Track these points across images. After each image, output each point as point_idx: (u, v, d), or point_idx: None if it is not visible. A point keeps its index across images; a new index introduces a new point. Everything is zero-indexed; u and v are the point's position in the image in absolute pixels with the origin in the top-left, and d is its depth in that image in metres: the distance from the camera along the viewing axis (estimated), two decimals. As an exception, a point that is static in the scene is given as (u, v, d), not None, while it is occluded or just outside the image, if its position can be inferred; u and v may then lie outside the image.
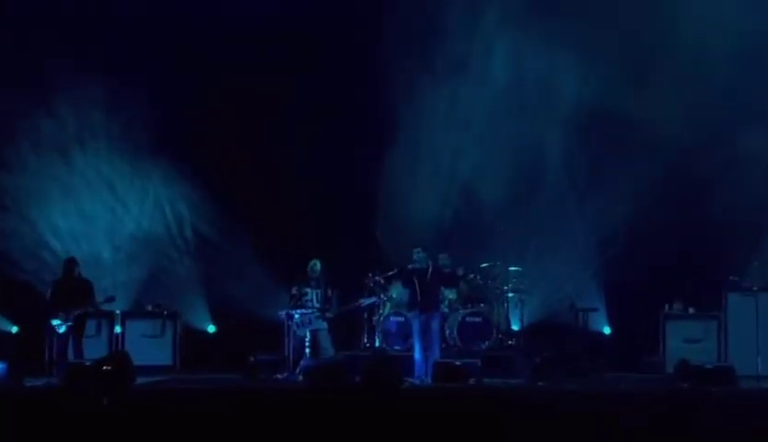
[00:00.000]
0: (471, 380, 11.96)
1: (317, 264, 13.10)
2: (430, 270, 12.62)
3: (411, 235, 14.32)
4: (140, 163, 14.30)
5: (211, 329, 14.78)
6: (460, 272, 13.22)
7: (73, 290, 12.44)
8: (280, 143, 13.80)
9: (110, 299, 12.83)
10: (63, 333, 12.35)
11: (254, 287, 14.38)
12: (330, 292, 13.06)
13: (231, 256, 14.43)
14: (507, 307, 14.29)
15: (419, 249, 12.71)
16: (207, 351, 14.29)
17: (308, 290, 13.03)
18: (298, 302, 12.85)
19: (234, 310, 14.38)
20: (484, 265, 14.20)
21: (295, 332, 12.76)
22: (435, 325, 12.63)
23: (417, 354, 12.60)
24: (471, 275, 13.93)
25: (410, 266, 12.65)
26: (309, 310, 12.88)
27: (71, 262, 12.66)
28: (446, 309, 13.98)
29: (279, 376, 12.59)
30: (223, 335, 14.56)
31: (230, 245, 14.49)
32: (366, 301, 13.24)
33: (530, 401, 10.39)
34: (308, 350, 12.75)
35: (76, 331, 12.39)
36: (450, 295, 14.19)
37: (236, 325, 14.22)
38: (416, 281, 12.56)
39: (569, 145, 14.03)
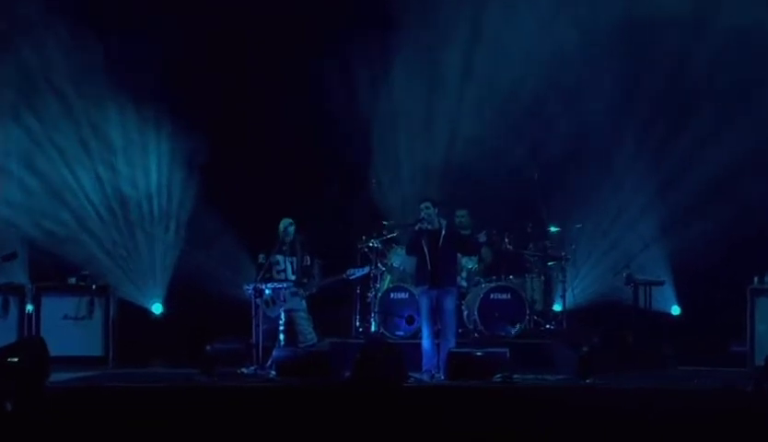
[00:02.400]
0: (497, 377, 11.98)
1: (290, 225, 13.04)
2: (443, 231, 12.49)
3: (418, 185, 14.62)
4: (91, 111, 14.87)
5: (157, 309, 14.99)
6: (483, 237, 13.23)
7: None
8: (258, 71, 14.67)
9: (11, 257, 12.73)
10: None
11: (216, 254, 14.66)
12: (308, 260, 13.11)
13: (185, 213, 14.98)
14: (545, 280, 14.51)
15: (428, 203, 12.59)
16: (151, 338, 14.52)
17: (280, 258, 13.02)
18: (267, 274, 12.81)
19: (188, 284, 14.69)
20: (513, 225, 14.46)
21: (264, 313, 12.77)
22: (449, 304, 12.54)
23: (426, 342, 12.54)
24: (497, 237, 13.98)
25: (417, 226, 12.51)
26: (283, 285, 12.87)
27: None
28: (463, 283, 14.05)
29: (244, 370, 12.61)
30: (173, 317, 14.84)
31: (185, 199, 14.99)
32: (354, 273, 13.20)
33: (575, 404, 10.41)
34: (282, 336, 12.80)
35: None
36: (470, 264, 14.19)
37: (190, 304, 14.59)
38: (425, 246, 12.45)
39: (632, 86, 14.56)
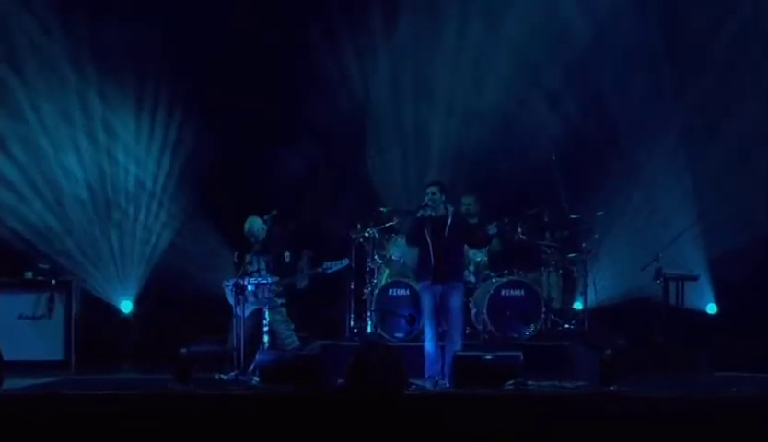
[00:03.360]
0: (509, 384, 11.89)
1: (254, 224, 13.14)
2: (450, 220, 12.41)
3: (419, 167, 14.67)
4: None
5: (126, 307, 14.99)
6: (493, 229, 13.13)
7: None
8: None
9: None
10: None
11: (196, 247, 14.77)
12: (287, 256, 13.13)
13: (164, 201, 15.15)
14: (563, 274, 14.49)
15: (435, 187, 12.48)
16: (119, 340, 14.61)
17: (252, 258, 13.09)
18: (243, 273, 12.89)
19: (163, 280, 14.80)
20: (528, 213, 14.40)
21: (243, 313, 12.79)
22: (455, 301, 12.47)
23: (429, 345, 12.49)
24: (509, 226, 13.97)
25: (420, 213, 12.42)
26: (267, 280, 12.93)
27: None
28: (471, 278, 14.02)
29: (223, 376, 12.58)
30: (144, 316, 14.93)
31: (165, 186, 15.21)
32: (331, 266, 13.18)
33: (597, 414, 10.26)
34: (266, 337, 12.79)
35: None
36: (478, 256, 14.15)
37: (164, 301, 14.68)
38: (429, 235, 12.37)
39: (666, 57, 14.79)
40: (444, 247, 12.35)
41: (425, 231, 12.37)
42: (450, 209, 12.51)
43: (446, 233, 12.36)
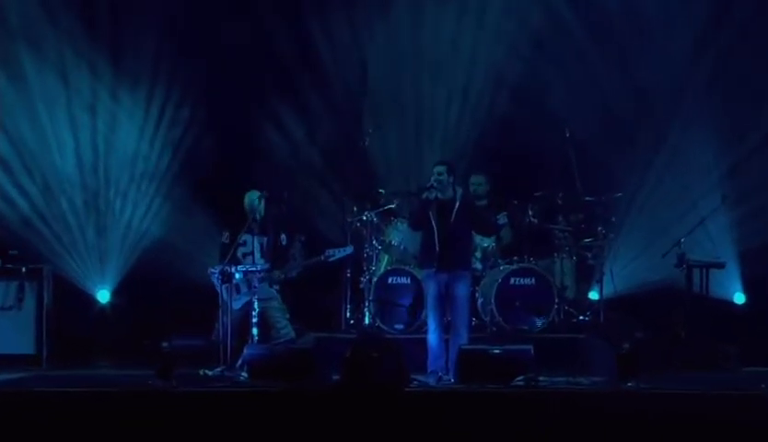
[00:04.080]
0: (519, 379, 11.89)
1: (259, 199, 13.11)
2: (457, 203, 12.41)
3: (424, 145, 14.63)
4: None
5: (103, 296, 15.03)
6: (503, 219, 13.27)
7: None
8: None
9: None
10: None
11: (185, 232, 14.85)
12: (284, 239, 13.13)
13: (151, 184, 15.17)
14: (578, 261, 14.50)
15: (442, 167, 12.48)
16: (96, 332, 14.59)
17: (248, 238, 13.04)
18: (232, 256, 12.82)
19: (147, 266, 14.83)
20: (539, 194, 14.38)
21: (232, 304, 12.80)
22: (461, 290, 12.48)
23: (432, 337, 12.48)
24: (518, 208, 13.99)
25: (425, 195, 12.43)
26: (257, 267, 12.89)
27: None
28: (478, 265, 14.00)
29: (208, 372, 12.54)
30: (123, 306, 14.96)
31: (146, 164, 15.28)
32: (334, 253, 13.21)
33: (614, 412, 10.35)
34: (255, 330, 12.77)
35: None
36: (485, 242, 14.12)
37: (144, 291, 14.75)
38: (434, 219, 12.37)
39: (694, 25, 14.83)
40: (450, 232, 12.33)
41: (430, 215, 12.37)
42: (458, 191, 12.50)
43: (452, 217, 12.35)
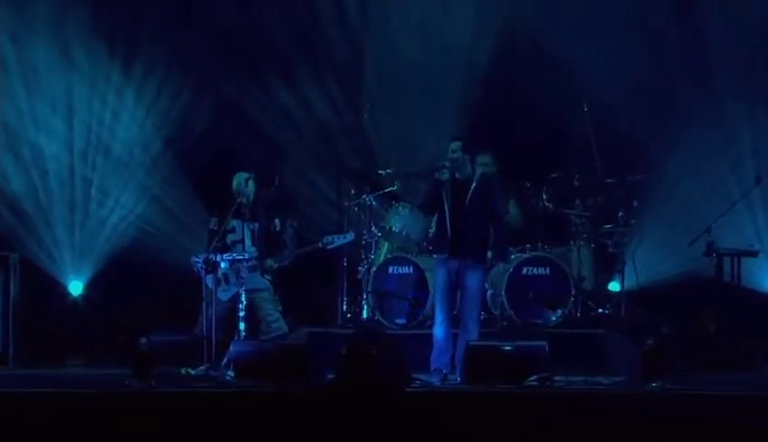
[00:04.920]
0: (532, 379, 11.85)
1: (248, 181, 13.11)
2: (475, 184, 12.37)
3: (427, 121, 14.68)
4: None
5: (76, 288, 15.08)
6: (510, 208, 13.34)
7: None
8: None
9: None
10: None
11: (164, 215, 15.01)
12: (277, 225, 13.17)
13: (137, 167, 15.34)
14: (597, 249, 14.56)
15: (457, 144, 12.42)
16: (68, 328, 14.56)
17: (236, 224, 13.07)
18: (219, 243, 12.85)
19: (123, 255, 14.95)
20: (554, 175, 14.48)
21: (216, 295, 12.86)
22: (473, 282, 12.46)
23: (439, 329, 12.48)
24: (531, 190, 14.12)
25: (438, 174, 12.40)
26: (245, 256, 12.89)
27: None
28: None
29: (191, 371, 12.59)
30: (97, 299, 15.00)
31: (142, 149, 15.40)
32: (333, 240, 13.29)
33: (636, 415, 10.33)
34: (242, 325, 12.79)
35: None
36: None
37: (121, 281, 14.85)
38: (448, 202, 12.37)
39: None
40: (464, 216, 12.31)
41: (444, 196, 12.34)
42: (477, 171, 12.46)
43: (467, 200, 12.32)
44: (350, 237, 13.54)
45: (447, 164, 12.31)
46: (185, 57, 15.25)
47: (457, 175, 12.33)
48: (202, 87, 15.25)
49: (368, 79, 15.18)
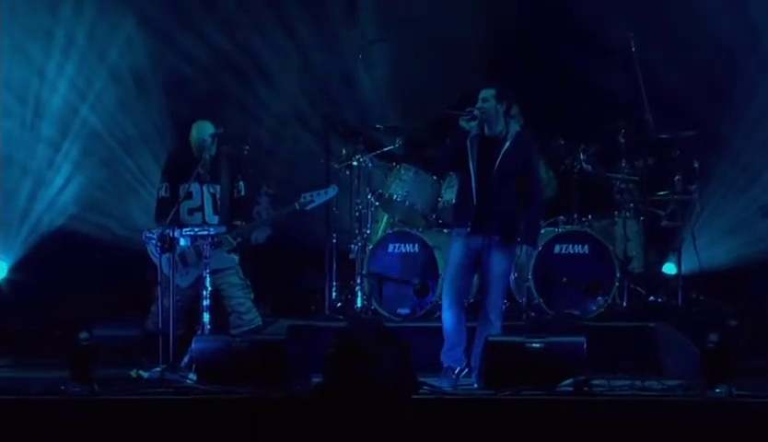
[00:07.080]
0: (567, 383, 11.82)
1: (205, 129, 13.08)
2: (508, 143, 12.36)
3: (434, 64, 14.92)
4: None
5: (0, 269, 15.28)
6: (541, 172, 13.23)
7: None
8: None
9: None
10: None
11: (108, 182, 15.33)
12: (241, 189, 13.20)
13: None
14: (646, 222, 14.64)
15: (489, 91, 12.30)
16: None
17: (194, 188, 13.08)
18: (173, 213, 12.82)
19: (58, 232, 15.25)
20: (599, 131, 14.64)
21: (177, 280, 12.87)
22: (499, 264, 12.46)
23: (447, 315, 12.52)
24: (565, 150, 14.29)
25: (462, 122, 12.26)
26: (209, 230, 12.89)
27: None
28: None
29: (143, 373, 12.67)
30: (27, 284, 15.22)
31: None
32: (312, 198, 13.11)
33: (697, 428, 10.45)
34: (206, 316, 12.84)
35: None
36: None
37: (56, 263, 15.05)
38: (473, 162, 12.35)
39: None
40: (493, 182, 12.31)
41: (469, 153, 12.32)
42: (513, 129, 12.40)
43: (498, 162, 12.29)
44: (332, 192, 13.32)
45: (476, 113, 12.30)
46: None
47: (486, 131, 12.31)
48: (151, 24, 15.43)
49: (364, 15, 15.27)
